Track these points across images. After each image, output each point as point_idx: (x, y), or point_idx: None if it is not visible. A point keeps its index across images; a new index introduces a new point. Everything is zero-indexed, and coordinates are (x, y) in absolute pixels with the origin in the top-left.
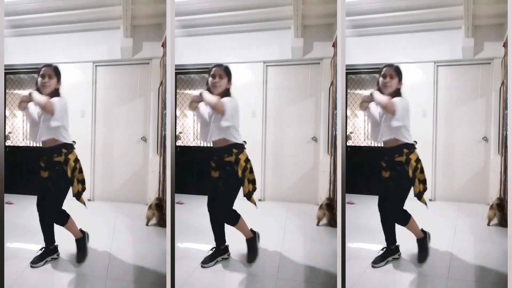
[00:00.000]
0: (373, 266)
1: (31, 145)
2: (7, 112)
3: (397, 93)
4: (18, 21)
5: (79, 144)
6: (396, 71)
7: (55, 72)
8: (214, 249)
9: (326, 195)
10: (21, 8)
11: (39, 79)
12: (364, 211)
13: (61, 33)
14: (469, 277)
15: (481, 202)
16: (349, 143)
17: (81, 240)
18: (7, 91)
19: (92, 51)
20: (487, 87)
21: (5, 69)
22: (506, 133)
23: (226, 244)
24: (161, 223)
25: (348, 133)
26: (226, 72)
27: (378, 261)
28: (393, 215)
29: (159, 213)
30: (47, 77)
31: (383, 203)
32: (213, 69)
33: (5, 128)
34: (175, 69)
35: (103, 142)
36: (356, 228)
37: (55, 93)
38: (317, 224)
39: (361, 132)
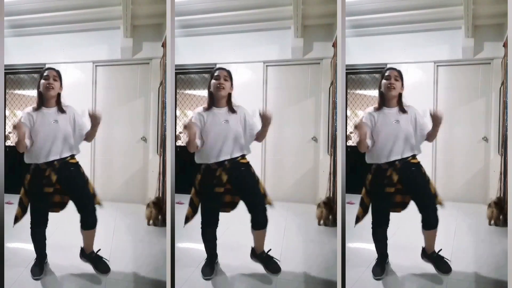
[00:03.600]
0: (377, 279)
1: None
2: (7, 112)
3: (400, 98)
4: (18, 21)
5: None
6: (400, 75)
7: (59, 76)
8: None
9: (326, 195)
10: (21, 8)
11: (42, 81)
12: None
13: (61, 33)
14: (469, 277)
15: (481, 202)
16: (349, 143)
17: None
18: (7, 91)
19: (92, 51)
20: (487, 87)
21: (5, 69)
22: (506, 133)
23: None
24: (157, 222)
25: (348, 133)
26: (230, 75)
27: (379, 273)
28: (431, 217)
29: (157, 212)
30: (52, 78)
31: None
32: (217, 71)
33: (5, 128)
34: (175, 69)
35: (103, 142)
36: (356, 228)
37: (58, 97)
38: (319, 224)
39: None
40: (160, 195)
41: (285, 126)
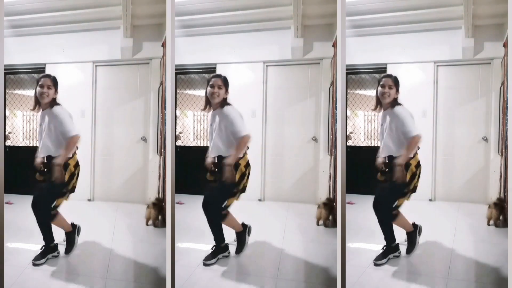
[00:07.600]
0: (375, 264)
1: (31, 145)
2: (7, 112)
3: (394, 102)
4: (18, 21)
5: (79, 144)
6: (394, 82)
7: (54, 82)
8: (214, 247)
9: (326, 195)
10: (21, 8)
11: (38, 88)
12: (364, 211)
13: (61, 33)
14: (469, 277)
15: (481, 202)
16: (349, 143)
17: (71, 233)
18: (7, 91)
19: (92, 51)
20: (487, 87)
21: (5, 69)
22: (506, 133)
23: (225, 242)
24: (157, 222)
25: (348, 133)
26: (224, 82)
27: (380, 258)
28: (385, 214)
29: (156, 213)
30: (46, 87)
31: (378, 204)
32: (212, 79)
33: (5, 128)
34: (175, 69)
35: (103, 142)
36: (356, 228)
37: (53, 102)
38: (317, 224)
39: (361, 132)
40: (160, 195)
41: (285, 126)
